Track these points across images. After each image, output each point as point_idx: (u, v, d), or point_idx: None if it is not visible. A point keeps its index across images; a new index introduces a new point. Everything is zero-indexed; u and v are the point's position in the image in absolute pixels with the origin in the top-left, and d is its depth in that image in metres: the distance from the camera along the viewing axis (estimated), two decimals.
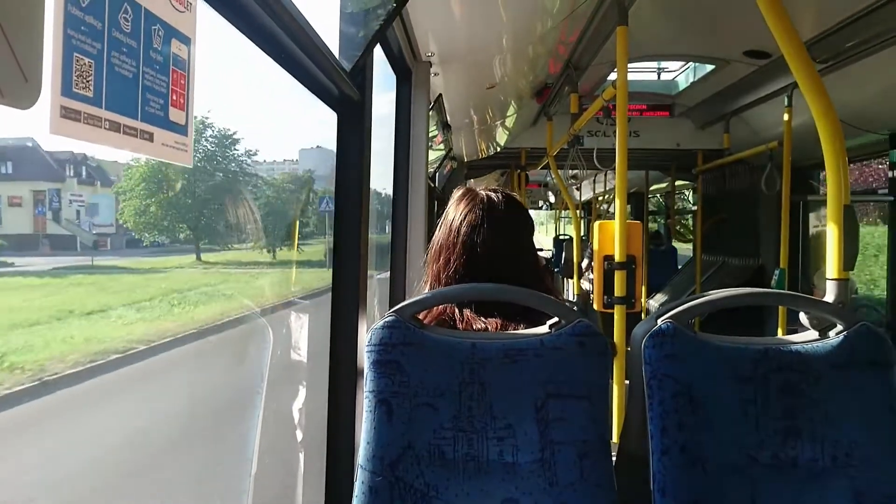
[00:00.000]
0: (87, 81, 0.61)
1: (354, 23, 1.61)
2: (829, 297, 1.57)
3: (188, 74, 0.81)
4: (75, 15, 0.59)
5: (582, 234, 7.14)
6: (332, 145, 1.73)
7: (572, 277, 6.28)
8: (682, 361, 1.30)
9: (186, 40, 0.81)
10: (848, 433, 1.28)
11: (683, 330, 1.32)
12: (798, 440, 1.28)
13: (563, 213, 15.68)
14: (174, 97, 0.78)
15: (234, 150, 4.11)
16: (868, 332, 1.31)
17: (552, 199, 14.40)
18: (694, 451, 1.28)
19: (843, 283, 1.56)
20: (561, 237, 12.69)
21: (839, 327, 1.33)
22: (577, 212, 6.41)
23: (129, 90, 0.69)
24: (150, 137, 0.73)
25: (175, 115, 0.78)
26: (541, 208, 15.82)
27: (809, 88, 1.66)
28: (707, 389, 1.30)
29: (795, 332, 1.44)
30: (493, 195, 1.55)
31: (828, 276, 1.58)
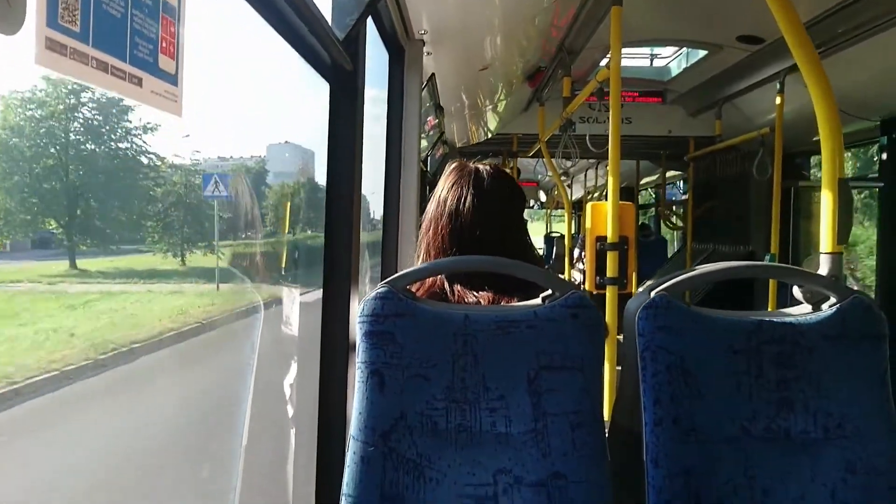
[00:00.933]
0: (73, 15, 0.59)
1: None
2: (823, 270, 1.57)
3: (178, 23, 0.79)
4: None
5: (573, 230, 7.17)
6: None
7: (563, 273, 6.29)
8: (675, 333, 1.30)
9: None
10: (840, 405, 1.28)
11: (677, 302, 1.32)
12: (791, 412, 1.28)
13: (554, 211, 15.74)
14: (164, 44, 0.76)
15: (127, 122, 2.87)
16: (861, 304, 1.31)
17: (543, 197, 14.43)
18: (687, 422, 1.28)
19: (837, 257, 1.57)
20: (552, 234, 12.74)
21: (832, 300, 1.33)
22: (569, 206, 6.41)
23: (117, 30, 0.67)
24: (139, 82, 0.71)
25: (164, 62, 0.76)
26: (532, 207, 15.88)
27: (808, 69, 1.66)
28: (700, 361, 1.29)
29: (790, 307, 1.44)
30: (480, 167, 1.54)
31: (821, 249, 1.58)
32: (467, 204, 1.48)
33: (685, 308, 1.32)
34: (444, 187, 1.52)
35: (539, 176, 11.33)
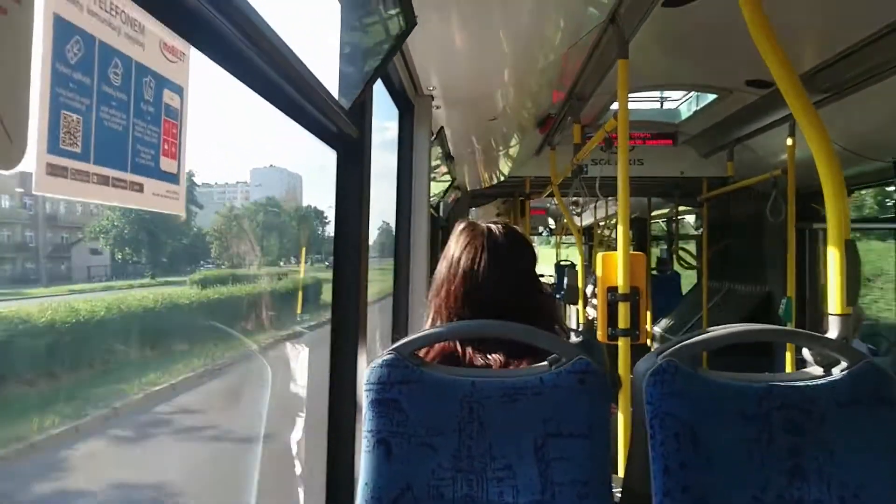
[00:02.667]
0: (75, 137, 0.61)
1: (353, 61, 1.63)
2: (832, 332, 1.55)
3: (180, 123, 0.82)
4: (63, 72, 0.59)
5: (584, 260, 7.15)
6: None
7: (575, 304, 6.25)
8: (683, 399, 1.29)
9: (179, 90, 0.81)
10: (855, 473, 1.25)
11: (684, 368, 1.30)
12: (804, 480, 1.26)
13: (564, 238, 15.70)
14: (165, 147, 0.78)
15: None
16: (873, 369, 1.29)
17: (553, 224, 14.41)
18: (696, 491, 1.26)
19: (846, 319, 1.55)
20: (562, 263, 12.69)
21: (843, 364, 1.31)
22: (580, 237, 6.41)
23: (118, 143, 0.69)
24: (140, 188, 0.73)
25: (166, 164, 0.79)
26: (541, 234, 15.84)
27: (806, 122, 1.67)
28: (710, 428, 1.28)
29: (804, 361, 1.42)
30: (493, 227, 1.54)
31: (830, 311, 1.56)
32: (482, 266, 1.48)
33: (693, 373, 1.31)
34: (456, 248, 1.52)
35: (548, 204, 11.32)
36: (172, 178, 0.80)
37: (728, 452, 1.27)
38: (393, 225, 2.99)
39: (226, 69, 0.96)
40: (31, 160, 0.57)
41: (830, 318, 1.56)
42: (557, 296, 8.17)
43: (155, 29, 0.74)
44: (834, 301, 1.56)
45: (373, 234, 1.86)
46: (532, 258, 1.59)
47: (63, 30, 0.59)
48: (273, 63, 1.10)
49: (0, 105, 0.52)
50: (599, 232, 10.44)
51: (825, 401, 1.27)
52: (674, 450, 1.27)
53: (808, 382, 1.30)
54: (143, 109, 0.73)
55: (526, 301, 1.50)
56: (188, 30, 0.80)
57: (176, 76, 0.80)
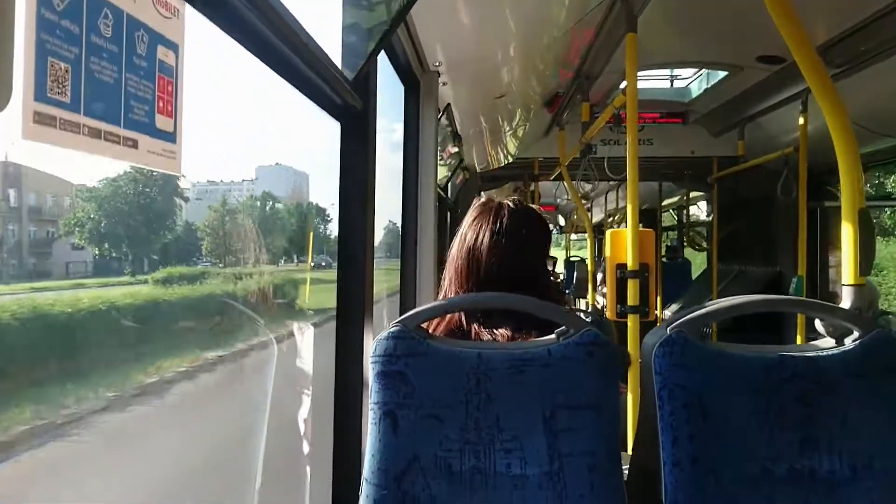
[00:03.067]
0: (63, 87, 0.60)
1: (356, 32, 1.60)
2: (846, 303, 1.53)
3: (176, 81, 0.80)
4: (49, 19, 0.58)
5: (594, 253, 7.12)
6: None
7: (584, 297, 6.24)
8: (692, 371, 1.27)
9: (174, 46, 0.79)
10: (867, 442, 1.24)
11: (693, 339, 1.29)
12: (815, 451, 1.24)
13: (574, 235, 15.69)
14: (161, 104, 0.77)
15: None
16: (885, 338, 1.27)
17: (562, 222, 14.38)
18: (706, 462, 1.24)
19: (859, 289, 1.52)
20: (572, 258, 12.70)
21: (855, 334, 1.29)
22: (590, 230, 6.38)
23: (110, 96, 0.68)
24: (135, 144, 0.72)
25: (162, 121, 0.77)
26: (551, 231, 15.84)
27: (822, 94, 1.64)
28: (719, 399, 1.26)
29: (815, 336, 1.40)
30: (504, 202, 1.54)
31: (843, 281, 1.54)
32: (484, 241, 1.48)
33: (702, 345, 1.29)
34: (466, 223, 1.54)
35: (558, 200, 11.30)
36: (169, 136, 0.78)
37: (738, 423, 1.25)
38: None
39: (224, 31, 0.94)
40: (17, 107, 0.55)
41: (844, 288, 1.54)
42: (567, 290, 8.16)
43: None
44: (848, 271, 1.54)
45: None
46: (543, 236, 1.57)
47: None
48: (274, 28, 1.08)
49: None
50: (609, 227, 10.41)
51: (837, 371, 1.26)
52: (683, 420, 1.25)
53: (820, 353, 1.28)
54: (135, 63, 0.72)
55: (531, 278, 1.49)
56: None
57: (171, 33, 0.78)
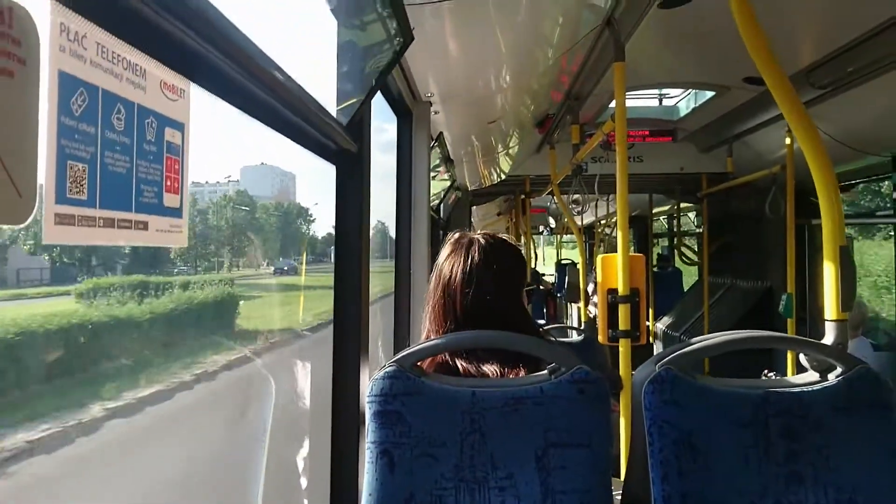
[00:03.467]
0: (81, 185, 0.64)
1: (351, 78, 1.64)
2: (829, 338, 1.57)
3: (182, 158, 0.84)
4: (68, 125, 0.62)
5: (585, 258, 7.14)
6: None
7: (576, 302, 6.27)
8: (681, 407, 1.31)
9: (180, 126, 0.83)
10: (850, 478, 1.27)
11: (682, 376, 1.32)
12: (801, 486, 1.28)
13: (564, 237, 15.72)
14: (168, 183, 0.81)
15: None
16: (868, 374, 1.31)
17: (553, 223, 14.42)
18: (695, 498, 1.28)
19: (842, 324, 1.56)
20: (563, 262, 12.71)
21: (839, 370, 1.33)
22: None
23: (122, 185, 0.71)
24: (145, 226, 0.75)
25: (169, 199, 0.81)
26: (541, 233, 15.86)
27: (797, 124, 1.68)
28: (708, 436, 1.29)
29: (802, 365, 1.44)
30: (479, 238, 1.56)
31: (826, 317, 1.58)
32: (457, 279, 1.50)
33: (691, 382, 1.33)
34: (441, 259, 1.55)
35: (548, 203, 11.33)
36: (175, 212, 0.82)
37: (726, 459, 1.29)
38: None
39: (225, 101, 0.98)
40: (40, 212, 0.59)
41: (827, 323, 1.58)
42: (559, 294, 8.16)
43: (155, 70, 0.76)
44: (830, 307, 1.58)
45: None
46: (516, 268, 1.58)
47: (67, 84, 0.61)
48: (271, 91, 1.12)
49: (10, 164, 0.54)
50: (600, 231, 10.45)
51: (821, 406, 1.29)
52: (672, 457, 1.29)
53: (804, 388, 1.32)
54: (145, 150, 0.75)
55: (505, 313, 1.51)
56: (187, 68, 0.82)
57: (176, 113, 0.82)
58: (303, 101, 1.27)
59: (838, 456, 1.28)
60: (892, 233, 4.49)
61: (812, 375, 1.38)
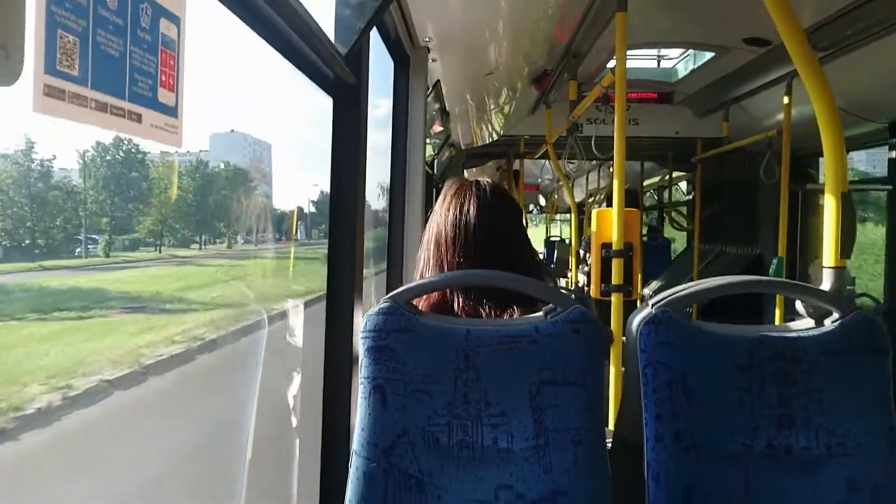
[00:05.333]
0: (72, 59, 0.60)
1: (350, 6, 1.59)
2: (826, 284, 1.57)
3: (178, 55, 0.80)
4: None
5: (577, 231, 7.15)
6: None
7: (565, 277, 6.29)
8: (676, 349, 1.30)
9: (176, 20, 0.79)
10: (842, 421, 1.28)
11: (678, 318, 1.31)
12: (792, 428, 1.28)
13: (554, 216, 15.76)
14: (163, 78, 0.77)
15: None
16: (863, 319, 1.30)
17: (543, 202, 14.42)
18: (688, 438, 1.28)
19: (840, 271, 1.56)
20: (552, 238, 12.70)
21: (835, 315, 1.32)
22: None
23: (116, 69, 0.68)
24: (139, 118, 0.72)
25: (164, 96, 0.77)
26: (531, 212, 15.88)
27: (809, 76, 1.66)
28: (702, 377, 1.29)
29: (794, 320, 1.43)
30: (481, 181, 1.56)
31: (824, 263, 1.57)
32: (471, 212, 1.49)
33: (687, 323, 1.32)
34: (445, 201, 1.53)
35: (539, 180, 11.31)
36: (171, 110, 0.78)
37: (719, 400, 1.29)
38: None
39: (223, 3, 0.93)
40: (28, 80, 0.55)
41: (824, 270, 1.57)
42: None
43: None
44: (829, 253, 1.57)
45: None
46: (518, 211, 1.60)
47: None
48: (272, 1, 1.08)
49: None
50: (591, 205, 10.47)
51: (815, 351, 1.29)
52: (666, 397, 1.28)
53: (800, 333, 1.31)
54: (140, 37, 0.72)
55: (516, 250, 1.51)
56: None
57: (173, 5, 0.78)
58: (304, 19, 1.22)
59: (831, 400, 1.28)
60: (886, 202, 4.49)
61: (808, 322, 1.37)
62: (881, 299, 4.42)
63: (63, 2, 0.59)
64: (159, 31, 0.76)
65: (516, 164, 6.64)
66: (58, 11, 0.58)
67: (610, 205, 3.18)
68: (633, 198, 8.45)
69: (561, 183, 5.38)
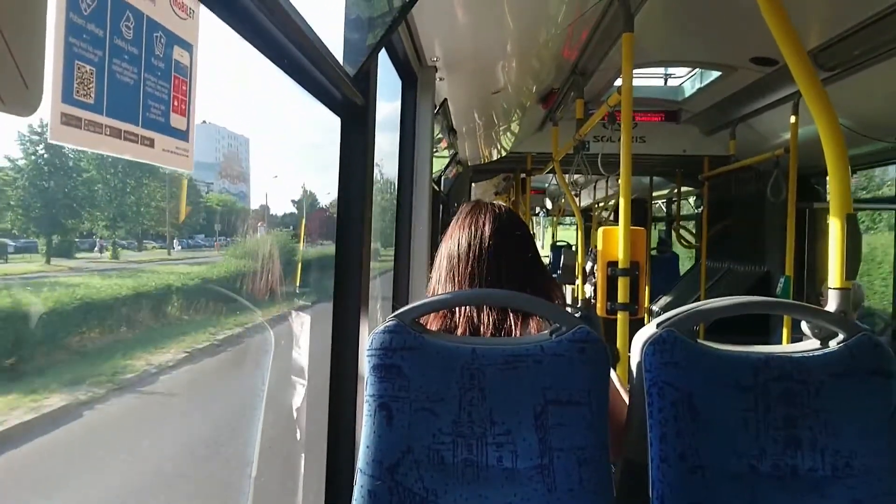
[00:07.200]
0: (88, 88, 0.62)
1: (359, 28, 1.62)
2: (832, 305, 1.57)
3: (190, 80, 0.82)
4: (77, 23, 0.60)
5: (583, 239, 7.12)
6: None
7: (572, 283, 6.27)
8: (681, 369, 1.30)
9: (188, 46, 0.81)
10: (848, 443, 1.27)
11: (683, 338, 1.32)
12: (798, 449, 1.28)
13: (560, 219, 15.74)
14: (175, 103, 0.79)
15: None
16: (869, 341, 1.30)
17: (549, 205, 14.41)
18: (693, 458, 1.28)
19: (846, 293, 1.56)
20: (558, 243, 12.66)
21: (840, 336, 1.32)
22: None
23: (130, 96, 0.70)
24: (151, 143, 0.74)
25: (176, 120, 0.79)
26: (537, 214, 15.87)
27: (812, 97, 1.67)
28: (707, 398, 1.29)
29: (800, 340, 1.43)
30: (496, 205, 1.60)
31: (830, 284, 1.57)
32: (485, 236, 1.52)
33: (692, 344, 1.32)
34: (459, 220, 1.57)
35: (546, 184, 11.29)
36: (182, 134, 0.80)
37: (725, 421, 1.29)
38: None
39: (234, 29, 0.96)
40: (46, 109, 0.57)
41: (830, 291, 1.57)
42: (554, 275, 8.15)
43: None
44: (834, 274, 1.57)
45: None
46: (532, 238, 1.64)
47: None
48: (281, 25, 1.10)
49: (17, 52, 0.52)
50: (597, 214, 10.46)
51: (821, 372, 1.29)
52: (671, 417, 1.29)
53: (805, 354, 1.32)
54: (153, 65, 0.74)
55: (530, 269, 1.54)
56: None
57: (186, 33, 0.80)
58: (312, 42, 1.25)
59: (836, 421, 1.28)
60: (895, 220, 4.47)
61: (813, 343, 1.37)
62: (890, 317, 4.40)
63: (81, 33, 0.61)
64: (172, 59, 0.78)
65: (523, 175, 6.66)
66: (76, 42, 0.60)
67: (616, 219, 3.19)
68: (641, 208, 8.45)
69: (567, 199, 5.39)
